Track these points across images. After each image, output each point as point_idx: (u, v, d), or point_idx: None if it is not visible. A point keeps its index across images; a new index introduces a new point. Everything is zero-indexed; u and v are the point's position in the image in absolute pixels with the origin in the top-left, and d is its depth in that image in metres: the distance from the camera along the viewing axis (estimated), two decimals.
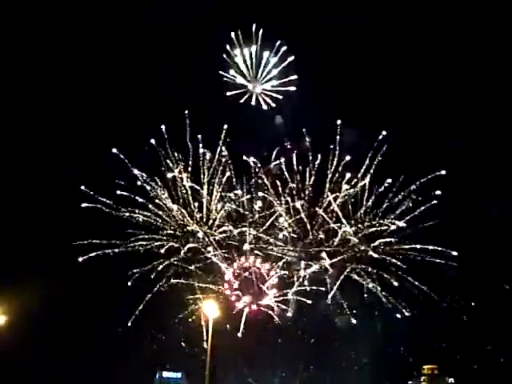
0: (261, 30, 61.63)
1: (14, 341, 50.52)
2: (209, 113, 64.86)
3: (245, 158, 63.12)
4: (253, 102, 64.83)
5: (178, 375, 71.17)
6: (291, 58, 62.90)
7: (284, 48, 62.11)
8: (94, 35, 61.95)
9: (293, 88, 63.92)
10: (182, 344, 63.85)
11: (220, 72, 63.48)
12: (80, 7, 61.70)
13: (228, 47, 63.06)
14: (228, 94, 63.74)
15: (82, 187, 61.15)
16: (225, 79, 64.07)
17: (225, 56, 63.69)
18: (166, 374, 71.05)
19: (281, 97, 64.80)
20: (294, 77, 63.74)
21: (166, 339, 64.06)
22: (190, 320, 62.94)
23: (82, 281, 60.73)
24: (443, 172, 59.05)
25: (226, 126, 63.70)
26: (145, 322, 62.25)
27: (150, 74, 63.71)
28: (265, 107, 65.08)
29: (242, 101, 64.50)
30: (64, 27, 62.24)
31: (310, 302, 61.46)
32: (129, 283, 61.07)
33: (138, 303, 61.12)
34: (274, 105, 65.07)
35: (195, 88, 62.81)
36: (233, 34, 62.44)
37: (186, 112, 63.10)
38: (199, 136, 63.92)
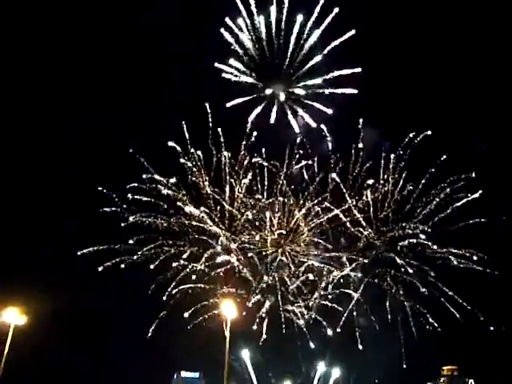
0: None
1: (35, 340, 50.56)
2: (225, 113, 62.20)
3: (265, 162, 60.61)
4: (272, 119, 44.44)
5: (196, 375, 71.58)
6: (351, 33, 37.62)
7: (336, 10, 35.69)
8: (105, 35, 61.06)
9: (353, 91, 40.75)
10: (202, 344, 63.46)
11: (216, 64, 45.97)
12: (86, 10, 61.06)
13: (228, 20, 42.81)
14: (228, 104, 47.71)
15: (102, 189, 60.38)
16: (223, 75, 47.26)
17: (223, 31, 43.93)
18: (184, 373, 71.54)
19: (330, 111, 42.60)
20: (357, 69, 39.42)
21: (186, 340, 63.75)
22: (210, 322, 62.55)
23: (103, 286, 60.53)
24: (473, 174, 57.29)
25: (249, 123, 52.22)
26: (166, 325, 62.10)
27: (157, 75, 62.44)
28: (297, 129, 45.12)
29: (251, 118, 45.33)
30: (78, 30, 61.71)
31: (333, 305, 61.36)
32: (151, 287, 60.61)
33: (160, 307, 61.02)
34: (314, 124, 44.10)
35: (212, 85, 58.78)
36: None
37: (207, 104, 53.27)
38: (219, 129, 55.46)
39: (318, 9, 37.92)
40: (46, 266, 58.51)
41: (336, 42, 40.66)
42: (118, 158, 60.88)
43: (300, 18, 38.36)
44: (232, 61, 46.65)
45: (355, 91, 43.46)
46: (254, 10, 41.40)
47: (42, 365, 57.88)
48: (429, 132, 51.85)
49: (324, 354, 62.86)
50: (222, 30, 46.80)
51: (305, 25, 39.24)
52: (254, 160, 59.65)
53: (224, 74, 48.99)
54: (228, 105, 47.71)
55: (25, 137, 61.25)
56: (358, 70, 42.35)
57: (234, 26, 44.71)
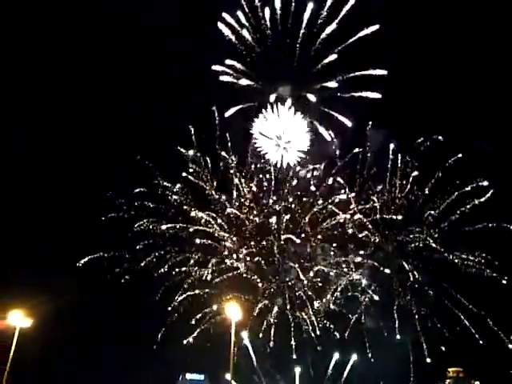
0: None
1: (39, 342, 50.38)
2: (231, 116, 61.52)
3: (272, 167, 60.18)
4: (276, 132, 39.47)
5: (201, 377, 71.34)
6: (375, 28, 32.12)
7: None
8: (105, 35, 60.88)
9: (377, 96, 35.45)
10: (208, 348, 63.22)
11: (214, 67, 42.96)
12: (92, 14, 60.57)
13: (227, 15, 38.65)
14: (227, 114, 44.27)
15: (111, 195, 60.04)
16: (221, 78, 43.91)
17: (219, 25, 40.30)
18: (188, 376, 71.26)
19: (350, 123, 37.85)
20: (382, 71, 34.18)
21: (193, 343, 63.56)
22: (216, 327, 62.37)
23: (109, 290, 60.31)
24: (485, 183, 56.46)
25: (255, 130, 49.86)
26: (172, 328, 61.84)
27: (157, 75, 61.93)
28: (307, 142, 42.00)
29: (253, 131, 41.61)
30: (79, 30, 61.45)
31: (340, 309, 61.26)
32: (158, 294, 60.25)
33: (166, 311, 60.75)
34: (328, 137, 40.01)
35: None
36: None
37: (214, 108, 50.78)
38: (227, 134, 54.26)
39: None
40: (51, 269, 58.32)
41: (354, 38, 34.92)
42: (125, 164, 60.62)
43: (310, 5, 32.13)
44: (232, 62, 43.25)
45: (379, 96, 37.22)
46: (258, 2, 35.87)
47: (46, 367, 57.86)
48: (440, 137, 49.70)
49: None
50: (221, 25, 42.34)
51: (317, 17, 33.51)
52: (259, 165, 59.62)
53: (223, 77, 45.66)
54: (227, 114, 44.26)
55: (28, 140, 60.91)
56: (384, 72, 36.26)
57: (234, 21, 40.01)
